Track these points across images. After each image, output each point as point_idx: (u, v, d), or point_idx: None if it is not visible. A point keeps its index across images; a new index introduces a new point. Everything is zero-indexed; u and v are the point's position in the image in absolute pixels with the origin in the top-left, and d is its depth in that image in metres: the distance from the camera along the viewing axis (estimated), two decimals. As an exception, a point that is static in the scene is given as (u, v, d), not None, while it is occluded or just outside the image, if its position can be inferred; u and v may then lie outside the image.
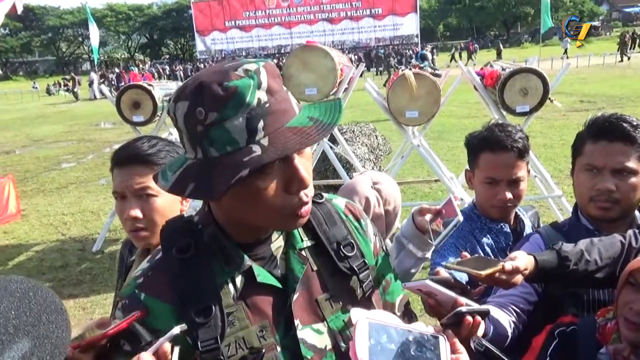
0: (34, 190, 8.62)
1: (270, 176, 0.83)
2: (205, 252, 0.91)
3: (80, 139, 14.26)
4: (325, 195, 1.08)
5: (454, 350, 0.87)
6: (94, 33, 20.72)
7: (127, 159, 1.37)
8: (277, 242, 0.96)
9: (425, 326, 0.89)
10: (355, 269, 0.99)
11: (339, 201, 1.09)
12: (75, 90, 29.53)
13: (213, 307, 0.87)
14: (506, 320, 1.39)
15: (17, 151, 13.03)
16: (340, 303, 0.97)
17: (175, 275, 0.89)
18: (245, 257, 0.92)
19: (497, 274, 1.15)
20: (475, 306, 0.96)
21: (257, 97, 0.80)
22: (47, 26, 60.21)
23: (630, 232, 1.37)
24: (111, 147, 12.48)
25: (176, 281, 0.89)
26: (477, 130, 1.83)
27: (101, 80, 29.37)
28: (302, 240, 0.99)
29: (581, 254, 1.26)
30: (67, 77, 31.50)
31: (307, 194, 0.87)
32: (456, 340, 0.88)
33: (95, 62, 31.11)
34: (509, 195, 1.70)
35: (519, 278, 1.18)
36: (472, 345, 0.93)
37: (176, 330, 0.82)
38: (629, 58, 26.46)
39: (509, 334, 1.37)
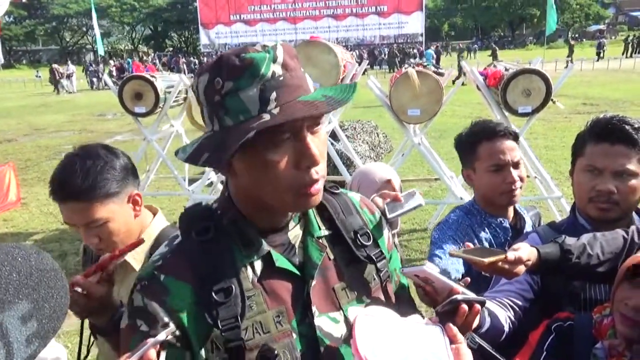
0: (35, 179, 8.64)
1: (281, 149, 0.84)
2: (224, 236, 0.92)
3: (82, 129, 14.27)
4: (341, 189, 1.09)
5: (453, 341, 0.88)
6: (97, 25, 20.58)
7: (64, 197, 1.36)
8: (295, 231, 0.97)
9: (422, 318, 0.90)
10: (373, 257, 1.01)
11: (355, 195, 1.11)
12: (61, 81, 27.52)
13: (233, 287, 0.87)
14: (503, 315, 1.40)
15: (19, 139, 13.04)
16: (356, 292, 0.98)
17: (195, 257, 0.90)
18: (264, 242, 0.93)
19: (499, 264, 1.16)
20: (472, 295, 0.96)
21: (271, 70, 0.82)
22: (51, 15, 60.11)
23: (633, 227, 1.38)
24: (113, 138, 12.50)
25: (196, 262, 0.90)
26: (463, 130, 1.89)
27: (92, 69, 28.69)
28: (319, 229, 0.99)
29: (583, 247, 1.27)
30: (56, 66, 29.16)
31: (318, 171, 0.87)
32: (455, 331, 0.89)
33: (100, 54, 30.34)
34: (516, 177, 1.75)
35: (521, 268, 1.20)
36: (465, 342, 0.93)
37: (162, 336, 0.82)
38: (572, 61, 26.45)
39: (505, 329, 1.38)
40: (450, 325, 0.90)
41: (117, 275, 1.40)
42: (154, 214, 1.60)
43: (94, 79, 28.69)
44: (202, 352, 0.87)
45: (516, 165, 1.77)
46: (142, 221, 1.51)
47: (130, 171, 1.46)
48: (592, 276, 1.33)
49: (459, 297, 0.94)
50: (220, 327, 0.86)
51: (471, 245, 1.28)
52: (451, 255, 1.22)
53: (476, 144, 1.79)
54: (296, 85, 0.85)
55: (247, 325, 0.88)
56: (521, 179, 1.77)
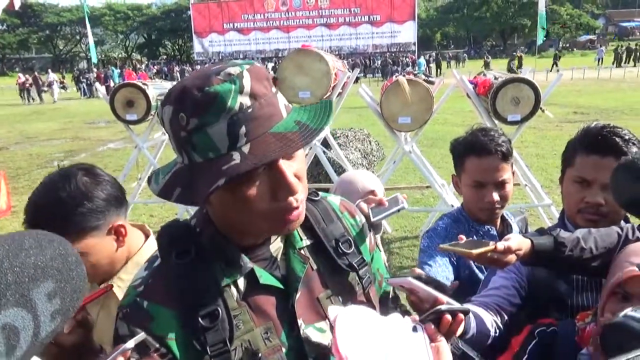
0: (26, 187, 8.57)
1: (256, 183, 0.81)
2: (205, 256, 0.89)
3: (74, 137, 14.21)
4: (321, 193, 1.08)
5: (433, 339, 0.88)
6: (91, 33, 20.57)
7: (34, 228, 1.21)
8: (276, 243, 0.96)
9: (402, 317, 0.91)
10: (355, 265, 1.00)
11: (334, 198, 1.09)
12: (44, 89, 26.38)
13: (219, 310, 0.86)
14: (489, 319, 1.41)
15: (10, 147, 12.95)
16: (341, 300, 0.98)
17: (177, 281, 0.88)
18: (247, 259, 0.91)
19: (489, 254, 1.18)
20: (456, 305, 0.98)
21: (239, 102, 0.77)
22: (44, 23, 60.06)
23: (628, 225, 1.39)
24: (105, 146, 12.45)
25: (179, 286, 0.87)
26: (461, 136, 1.86)
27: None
28: (301, 240, 0.98)
29: (577, 241, 1.28)
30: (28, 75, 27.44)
31: (297, 198, 0.85)
32: (435, 329, 0.90)
33: (94, 62, 29.96)
34: (496, 197, 1.74)
35: (512, 257, 1.21)
36: (451, 349, 0.94)
37: (130, 344, 0.82)
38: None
39: (491, 333, 1.39)
40: (430, 323, 0.91)
41: (98, 306, 1.35)
42: (147, 236, 1.48)
43: (85, 87, 28.35)
44: None
45: (499, 185, 1.74)
46: (130, 247, 1.40)
47: (113, 201, 1.33)
48: (584, 270, 1.33)
49: (443, 307, 0.95)
50: (209, 353, 0.84)
51: (464, 238, 1.30)
52: (441, 250, 1.24)
53: (464, 156, 1.79)
54: (267, 115, 0.80)
55: (235, 345, 0.86)
56: (504, 198, 1.76)
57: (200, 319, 0.85)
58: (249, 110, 0.78)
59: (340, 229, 1.03)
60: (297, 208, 0.86)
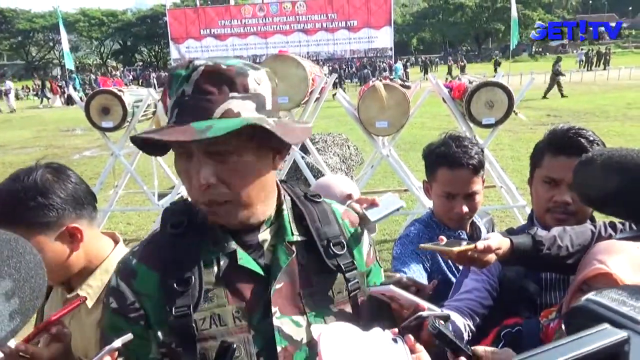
0: (-2, 197, 8.38)
1: (183, 163, 0.92)
2: (196, 230, 0.97)
3: (48, 145, 13.93)
4: (326, 199, 1.11)
5: (413, 350, 0.90)
6: (65, 39, 20.16)
7: None
8: (265, 234, 1.00)
9: (382, 331, 0.93)
10: (342, 266, 1.02)
11: (338, 206, 1.12)
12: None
13: (193, 279, 0.92)
14: (461, 322, 1.44)
15: (-19, 156, 12.65)
16: (322, 301, 1.00)
17: (164, 248, 0.96)
18: (232, 241, 0.97)
19: (469, 253, 1.20)
20: (437, 311, 1.00)
21: (182, 88, 0.89)
22: (16, 29, 58.76)
23: (601, 222, 1.43)
24: (80, 154, 12.25)
25: (164, 253, 0.96)
26: (434, 142, 1.88)
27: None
28: (292, 234, 1.01)
29: (554, 239, 1.31)
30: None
31: (214, 193, 0.91)
32: (414, 341, 0.92)
33: (71, 69, 29.03)
34: (465, 209, 1.77)
35: (491, 257, 1.24)
36: (428, 328, 0.96)
37: (117, 343, 0.84)
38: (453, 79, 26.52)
39: (465, 336, 1.42)
40: (410, 335, 0.93)
41: (69, 317, 1.30)
42: (117, 243, 1.46)
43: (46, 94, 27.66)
44: (160, 334, 0.93)
45: (469, 196, 1.77)
46: (97, 253, 1.37)
47: (71, 201, 1.29)
48: (561, 267, 1.36)
49: (424, 313, 0.98)
50: (173, 313, 0.91)
51: (444, 239, 1.32)
52: (422, 249, 1.25)
53: (436, 166, 1.82)
54: (200, 107, 0.87)
55: (204, 315, 0.92)
56: (472, 209, 1.80)
57: (175, 284, 0.92)
58: (186, 98, 0.88)
59: (335, 231, 1.05)
60: (210, 203, 0.92)
